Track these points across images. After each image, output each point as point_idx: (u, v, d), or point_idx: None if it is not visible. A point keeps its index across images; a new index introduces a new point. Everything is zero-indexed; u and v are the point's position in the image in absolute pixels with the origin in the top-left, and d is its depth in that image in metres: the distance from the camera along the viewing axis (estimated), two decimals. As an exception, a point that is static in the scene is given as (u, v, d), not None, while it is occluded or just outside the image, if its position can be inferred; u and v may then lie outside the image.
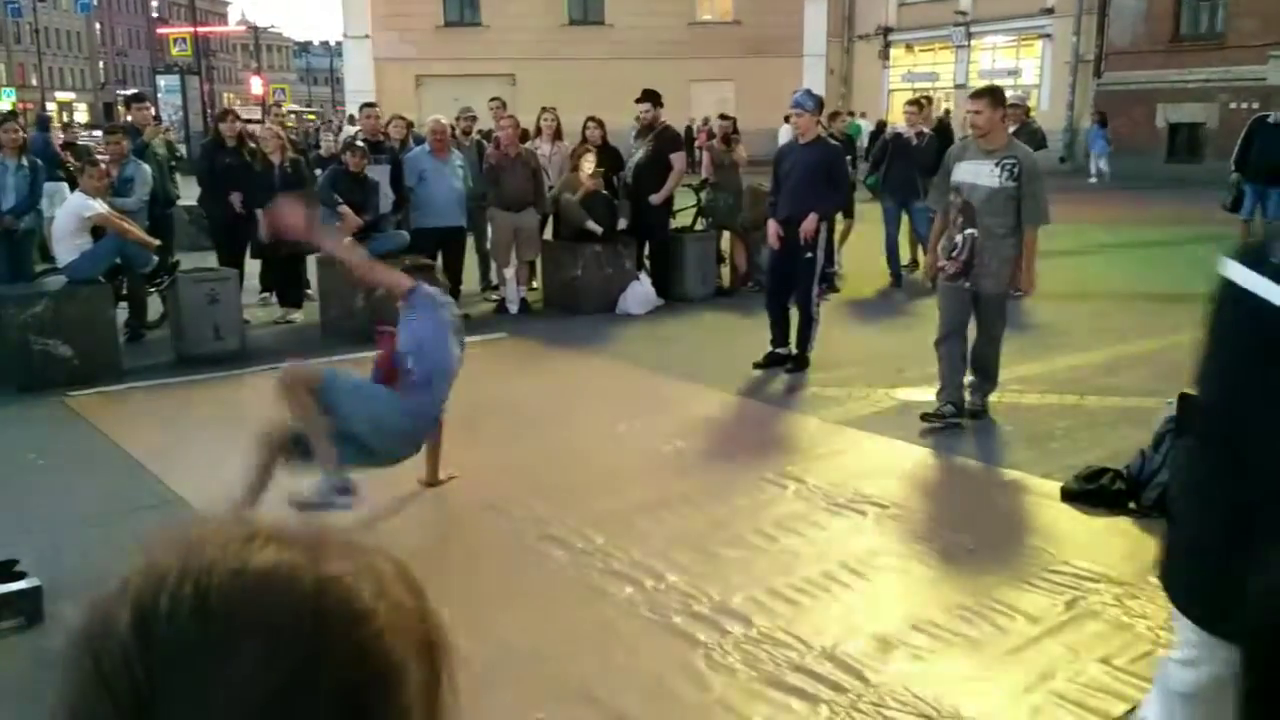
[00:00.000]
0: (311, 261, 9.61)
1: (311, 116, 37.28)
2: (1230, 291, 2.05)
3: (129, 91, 13.82)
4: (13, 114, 10.81)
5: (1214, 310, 2.12)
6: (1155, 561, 2.48)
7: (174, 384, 7.58)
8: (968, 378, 6.37)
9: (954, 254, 6.17)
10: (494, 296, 10.40)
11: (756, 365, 7.63)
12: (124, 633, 0.53)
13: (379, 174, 9.62)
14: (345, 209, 8.93)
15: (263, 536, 0.57)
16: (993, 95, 6.25)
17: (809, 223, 7.40)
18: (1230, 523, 2.02)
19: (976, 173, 6.06)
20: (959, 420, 6.23)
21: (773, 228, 7.65)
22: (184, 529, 0.58)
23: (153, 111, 11.01)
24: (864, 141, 16.98)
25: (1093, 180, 23.64)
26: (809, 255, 7.45)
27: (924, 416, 6.27)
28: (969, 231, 6.10)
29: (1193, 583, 2.22)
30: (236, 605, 0.53)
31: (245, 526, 0.58)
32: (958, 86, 29.17)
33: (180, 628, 0.53)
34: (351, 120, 23.22)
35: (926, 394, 6.62)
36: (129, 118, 9.80)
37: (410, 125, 11.36)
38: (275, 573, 0.55)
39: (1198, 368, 2.15)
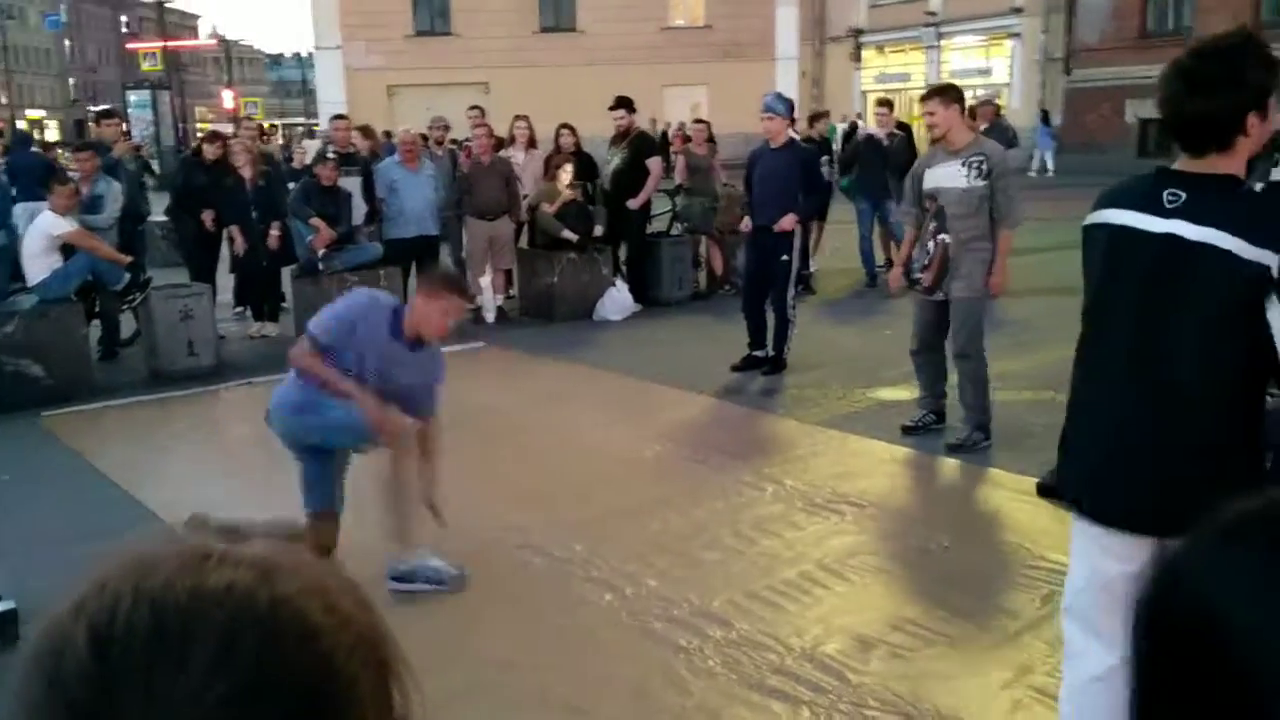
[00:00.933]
0: (286, 274, 9.57)
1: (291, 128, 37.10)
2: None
3: (99, 108, 13.69)
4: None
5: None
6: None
7: (148, 401, 7.53)
8: (961, 414, 6.08)
9: (926, 264, 5.95)
10: (470, 306, 10.37)
11: (734, 368, 7.65)
12: (81, 654, 0.54)
13: (351, 185, 9.61)
14: (318, 222, 8.90)
15: (217, 557, 0.58)
16: (943, 94, 5.99)
17: (787, 219, 7.41)
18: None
19: (945, 176, 5.85)
20: (940, 426, 6.18)
21: (747, 225, 7.70)
22: (139, 548, 0.58)
23: (123, 127, 10.92)
24: (838, 143, 17.07)
25: (1032, 174, 24.03)
26: (784, 258, 7.47)
27: (905, 429, 6.15)
28: (941, 237, 5.89)
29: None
30: (191, 624, 0.54)
31: (200, 547, 0.59)
32: (929, 87, 29.37)
33: (136, 648, 0.53)
34: (310, 134, 23.16)
35: (903, 394, 6.65)
36: (99, 133, 9.72)
37: (379, 135, 11.34)
38: (229, 592, 0.56)
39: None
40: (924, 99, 6.08)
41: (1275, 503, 0.56)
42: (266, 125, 24.31)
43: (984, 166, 5.73)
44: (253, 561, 0.59)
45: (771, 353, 7.67)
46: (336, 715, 0.56)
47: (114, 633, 0.54)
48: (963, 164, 5.77)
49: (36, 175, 9.00)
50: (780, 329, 7.64)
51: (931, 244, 5.92)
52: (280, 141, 21.32)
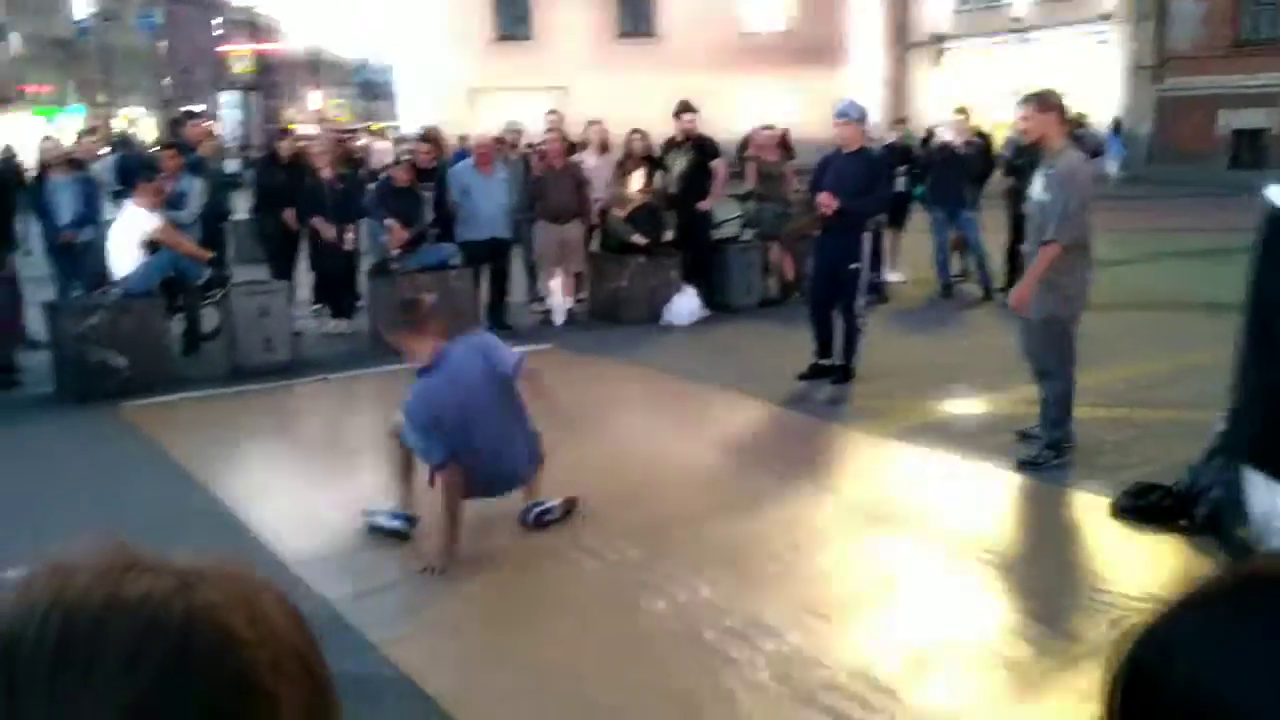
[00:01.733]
0: (362, 273, 9.74)
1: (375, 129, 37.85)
2: None
3: (185, 109, 14.11)
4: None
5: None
6: None
7: (226, 394, 7.71)
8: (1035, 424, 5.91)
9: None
10: (540, 308, 10.45)
11: (800, 376, 7.56)
12: None
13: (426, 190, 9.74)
14: (392, 222, 9.04)
15: (139, 567, 0.58)
16: (1040, 100, 5.68)
17: (825, 196, 7.16)
18: None
19: (1037, 186, 5.66)
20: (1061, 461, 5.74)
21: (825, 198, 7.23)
22: (64, 557, 0.58)
23: (208, 127, 11.24)
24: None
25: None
26: (853, 265, 7.38)
27: (1021, 464, 5.74)
28: (1024, 248, 5.77)
29: None
30: (100, 633, 0.54)
31: (123, 556, 0.59)
32: (1014, 94, 28.83)
33: (44, 655, 0.53)
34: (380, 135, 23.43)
35: (973, 407, 6.53)
36: (186, 134, 10.02)
37: (449, 141, 11.47)
38: (145, 601, 0.55)
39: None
40: (1021, 103, 5.77)
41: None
42: (352, 129, 24.79)
43: (1054, 180, 5.52)
44: (176, 571, 0.58)
45: (840, 362, 7.57)
46: None
47: (23, 640, 0.54)
48: (1044, 174, 5.60)
49: (140, 173, 9.31)
50: (849, 338, 7.54)
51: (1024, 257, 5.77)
52: (361, 142, 21.69)
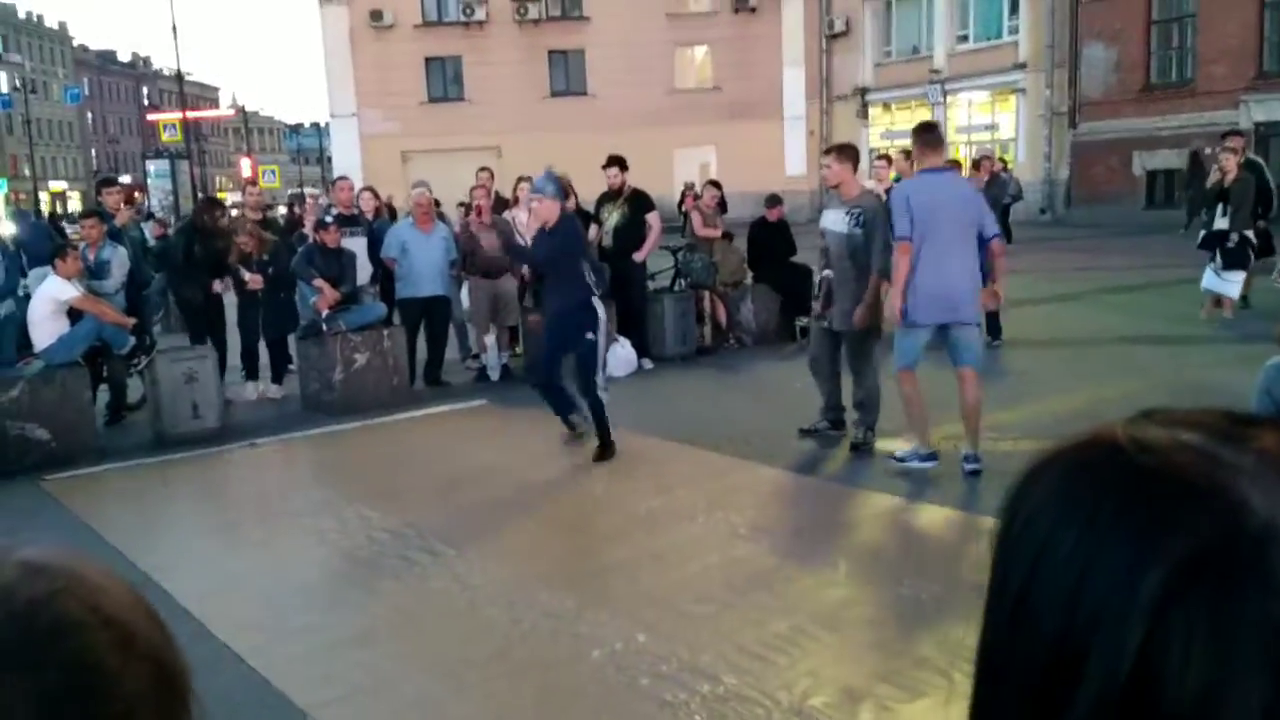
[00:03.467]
0: (292, 338, 9.65)
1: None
2: None
3: (100, 177, 13.96)
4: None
5: None
6: None
7: (150, 464, 7.56)
8: (851, 415, 6.98)
9: (816, 294, 7.15)
10: (474, 365, 10.42)
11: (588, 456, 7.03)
12: None
13: (356, 245, 9.71)
14: (321, 283, 8.99)
15: None
16: (840, 151, 6.96)
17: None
18: None
19: (832, 220, 6.86)
20: (839, 435, 7.05)
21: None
22: None
23: (123, 194, 11.11)
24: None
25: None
26: (589, 337, 6.96)
27: (802, 431, 7.13)
28: (826, 273, 6.94)
29: None
30: None
31: None
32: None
33: None
34: (300, 199, 23.31)
35: (896, 443, 6.62)
36: (100, 202, 9.88)
37: (382, 197, 11.48)
38: None
39: None
40: (823, 154, 7.14)
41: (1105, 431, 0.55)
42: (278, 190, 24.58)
43: (862, 218, 6.64)
44: (18, 563, 0.60)
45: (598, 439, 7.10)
46: (94, 706, 0.57)
47: None
48: (846, 213, 6.72)
49: (42, 245, 9.17)
50: (595, 412, 7.06)
51: (819, 278, 7.09)
52: (283, 209, 21.52)
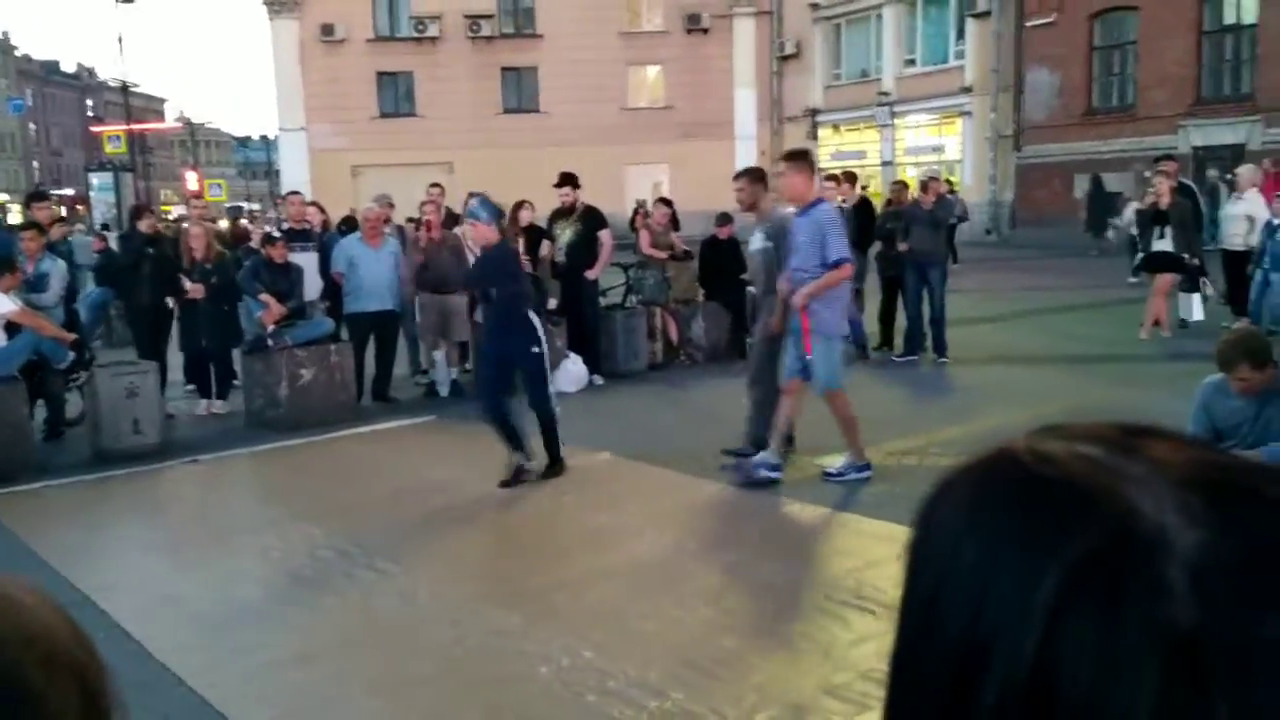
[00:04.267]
0: (237, 353, 9.53)
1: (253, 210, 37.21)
2: None
3: (32, 191, 13.71)
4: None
5: None
6: None
7: (89, 480, 7.41)
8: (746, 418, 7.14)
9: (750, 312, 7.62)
10: (423, 380, 10.36)
11: (503, 484, 6.78)
12: None
13: (306, 260, 9.62)
14: (268, 298, 8.89)
15: None
16: (749, 174, 7.17)
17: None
18: None
19: (754, 239, 7.17)
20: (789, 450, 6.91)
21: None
22: None
23: (56, 210, 10.96)
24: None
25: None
26: (535, 350, 6.92)
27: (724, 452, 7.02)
28: (750, 289, 7.38)
29: None
30: None
31: None
32: (884, 163, 29.93)
33: None
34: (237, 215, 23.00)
35: (831, 458, 6.68)
36: (32, 217, 9.71)
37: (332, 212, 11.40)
38: None
39: None
40: (735, 178, 7.21)
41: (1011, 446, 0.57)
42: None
43: (772, 234, 6.86)
44: None
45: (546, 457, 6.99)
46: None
47: None
48: (762, 231, 7.02)
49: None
50: (547, 429, 6.99)
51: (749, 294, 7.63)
52: (224, 223, 21.25)
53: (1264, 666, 0.47)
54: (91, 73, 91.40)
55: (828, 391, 6.45)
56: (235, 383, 9.78)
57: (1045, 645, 0.48)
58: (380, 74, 33.28)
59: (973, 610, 0.51)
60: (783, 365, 6.82)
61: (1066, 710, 0.47)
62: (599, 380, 10.12)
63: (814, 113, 33.28)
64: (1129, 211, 13.44)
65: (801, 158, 6.94)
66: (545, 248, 10.45)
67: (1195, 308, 11.64)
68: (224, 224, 20.60)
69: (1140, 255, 11.60)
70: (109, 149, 37.30)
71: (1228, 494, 0.50)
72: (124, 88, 40.52)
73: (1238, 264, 11.43)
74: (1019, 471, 0.53)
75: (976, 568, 0.51)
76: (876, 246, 11.09)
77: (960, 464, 0.58)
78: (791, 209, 6.77)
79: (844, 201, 11.23)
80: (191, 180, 43.07)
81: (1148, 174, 21.08)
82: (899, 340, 10.74)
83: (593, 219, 10.42)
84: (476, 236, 7.18)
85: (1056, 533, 0.49)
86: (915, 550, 0.56)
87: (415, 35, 32.85)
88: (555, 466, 7.00)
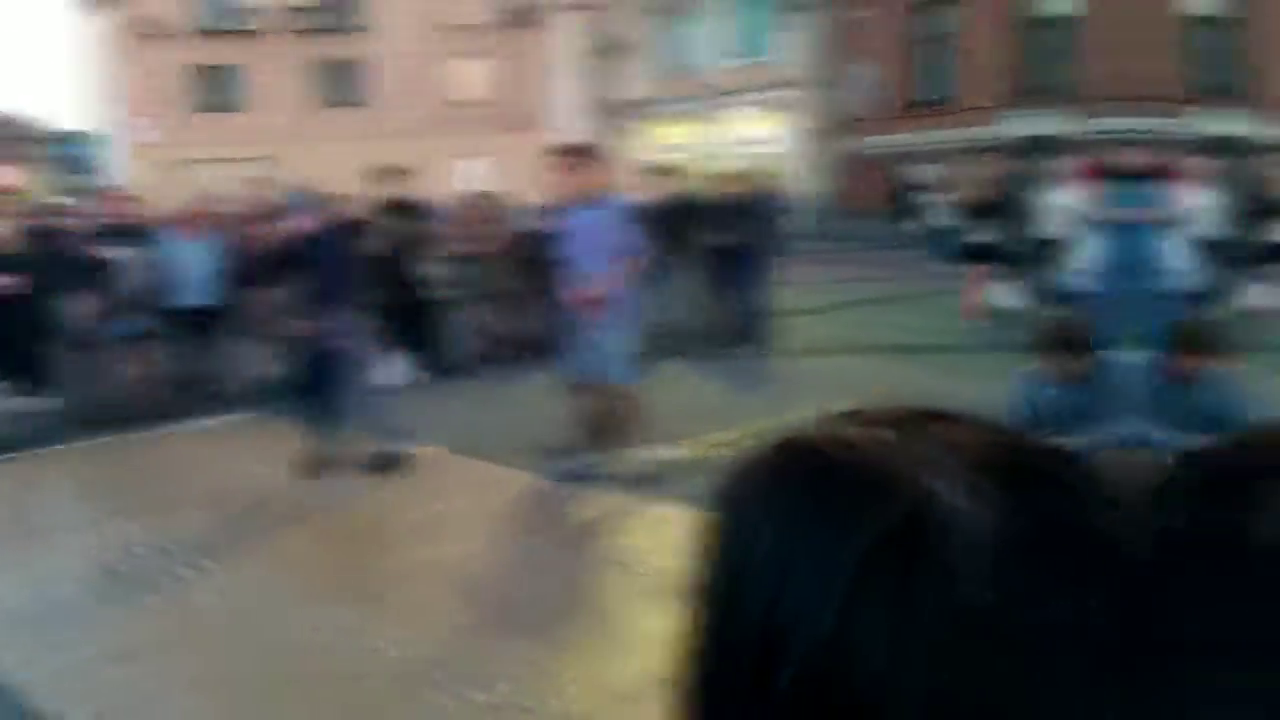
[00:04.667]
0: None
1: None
2: None
3: None
4: None
5: None
6: None
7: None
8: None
9: None
10: (246, 375, 10.12)
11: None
12: None
13: (126, 256, 9.30)
14: (86, 293, 8.61)
15: None
16: (568, 151, 6.80)
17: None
18: None
19: (559, 227, 6.92)
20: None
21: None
22: None
23: None
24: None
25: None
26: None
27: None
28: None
29: None
30: None
31: None
32: (707, 156, 30.51)
33: None
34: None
35: (677, 451, 6.82)
36: None
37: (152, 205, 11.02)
38: None
39: None
40: (552, 154, 6.90)
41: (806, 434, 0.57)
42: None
43: (573, 222, 6.52)
44: None
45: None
46: None
47: None
48: (566, 218, 6.69)
49: None
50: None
51: None
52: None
53: (1053, 648, 0.47)
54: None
55: (619, 385, 6.43)
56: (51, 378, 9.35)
57: (840, 629, 0.48)
58: (201, 67, 32.07)
59: (771, 596, 0.50)
60: (585, 360, 6.61)
61: (859, 693, 0.47)
62: (425, 375, 10.10)
63: (637, 105, 33.66)
64: (939, 201, 13.91)
65: (589, 151, 6.88)
66: (369, 242, 10.36)
67: (1010, 295, 12.01)
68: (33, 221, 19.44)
69: (960, 245, 11.99)
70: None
71: (1019, 476, 0.51)
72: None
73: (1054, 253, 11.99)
74: (815, 457, 0.53)
75: (774, 554, 0.51)
76: (697, 240, 11.32)
77: (755, 451, 0.56)
78: (595, 201, 6.59)
79: (658, 195, 11.44)
80: (6, 174, 40.51)
81: (968, 166, 21.90)
82: (720, 333, 10.92)
83: (418, 212, 10.41)
84: (296, 229, 7.12)
85: (852, 517, 0.49)
86: (713, 538, 0.55)
87: (236, 28, 31.77)
88: (381, 460, 7.00)
